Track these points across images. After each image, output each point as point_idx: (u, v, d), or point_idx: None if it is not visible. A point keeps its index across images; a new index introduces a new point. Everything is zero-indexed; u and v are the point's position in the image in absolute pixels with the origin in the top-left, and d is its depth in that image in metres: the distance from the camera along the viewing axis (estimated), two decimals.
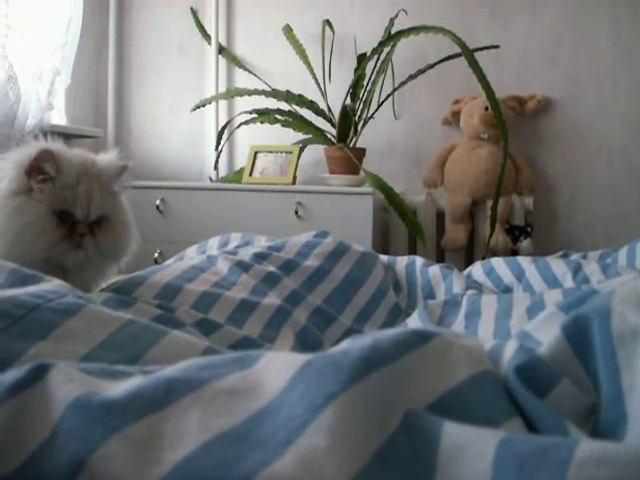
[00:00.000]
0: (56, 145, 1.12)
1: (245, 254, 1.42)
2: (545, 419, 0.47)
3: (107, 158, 1.15)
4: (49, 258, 1.05)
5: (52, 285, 0.73)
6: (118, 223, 1.14)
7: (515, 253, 2.85)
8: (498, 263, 1.60)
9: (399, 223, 2.85)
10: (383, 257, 1.76)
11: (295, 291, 1.35)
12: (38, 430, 0.44)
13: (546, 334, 0.55)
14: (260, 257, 1.42)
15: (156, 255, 2.75)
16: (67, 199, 1.05)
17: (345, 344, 0.56)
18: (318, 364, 0.47)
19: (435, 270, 1.63)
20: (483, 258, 2.82)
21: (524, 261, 1.54)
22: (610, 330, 0.51)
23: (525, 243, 2.85)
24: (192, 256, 1.71)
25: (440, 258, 3.01)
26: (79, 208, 1.06)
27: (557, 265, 1.45)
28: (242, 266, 1.34)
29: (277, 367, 0.49)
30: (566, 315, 0.72)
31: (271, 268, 1.38)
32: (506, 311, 1.16)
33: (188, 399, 0.46)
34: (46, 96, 2.70)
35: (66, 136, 3.02)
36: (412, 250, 2.99)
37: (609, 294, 0.55)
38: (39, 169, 1.04)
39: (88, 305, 0.68)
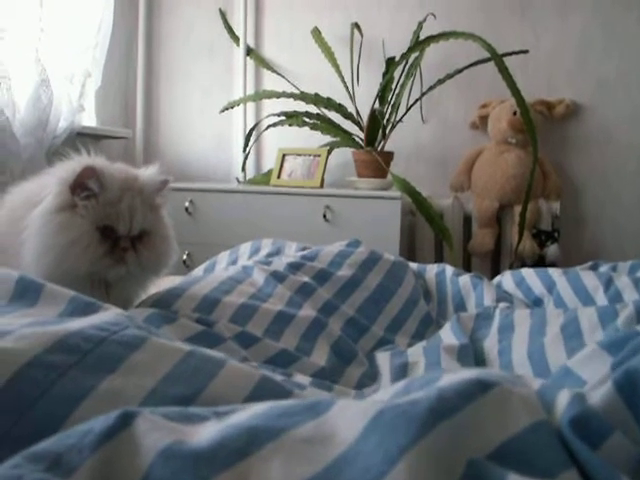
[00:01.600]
0: (99, 161, 1.13)
1: (279, 264, 1.44)
2: (600, 471, 0.48)
3: (148, 173, 1.17)
4: (93, 273, 1.07)
5: (112, 315, 0.74)
6: (159, 237, 1.16)
7: (542, 258, 2.84)
8: (528, 274, 1.60)
9: (426, 227, 2.86)
10: (413, 265, 1.77)
11: (329, 301, 1.36)
12: (129, 478, 0.45)
13: (589, 373, 0.56)
14: (294, 267, 1.44)
15: (184, 257, 2.77)
16: (110, 215, 1.07)
17: (404, 385, 0.57)
18: (389, 415, 0.48)
19: (465, 279, 1.64)
20: (511, 264, 2.83)
21: (555, 273, 1.54)
22: None
23: (552, 248, 2.84)
24: (223, 263, 1.74)
25: (467, 262, 3.01)
26: (122, 224, 1.08)
27: (588, 278, 1.45)
28: (277, 277, 1.36)
29: (349, 417, 0.50)
30: (608, 353, 0.73)
31: (305, 278, 1.40)
32: (540, 327, 1.16)
33: (269, 448, 0.48)
34: (77, 98, 2.73)
35: (96, 137, 3.05)
36: (439, 254, 3.00)
37: None
38: (83, 186, 1.06)
39: (151, 337, 0.70)
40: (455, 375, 0.53)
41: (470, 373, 0.53)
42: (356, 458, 0.46)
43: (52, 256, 1.03)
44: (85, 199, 1.06)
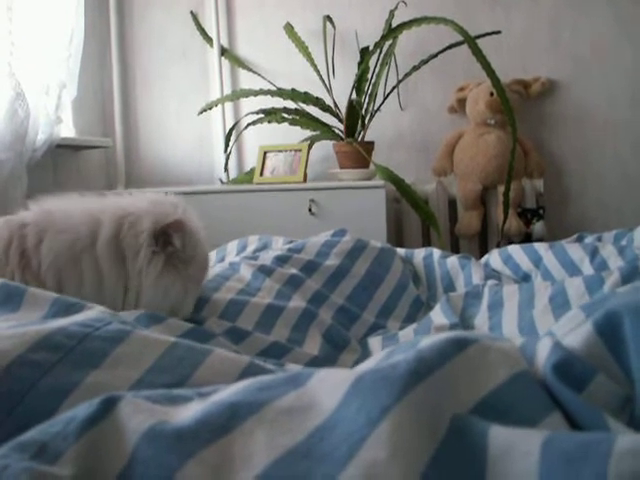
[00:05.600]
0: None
1: (266, 258, 1.44)
2: (584, 413, 0.49)
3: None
4: None
5: (95, 312, 0.75)
6: None
7: (529, 236, 2.86)
8: (515, 250, 1.61)
9: (412, 213, 2.87)
10: (400, 250, 1.78)
11: (318, 292, 1.37)
12: (115, 461, 0.46)
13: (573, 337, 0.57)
14: (281, 260, 1.44)
15: None
16: None
17: (386, 354, 0.58)
18: (369, 379, 0.49)
19: (453, 261, 1.65)
20: (498, 243, 2.84)
21: (541, 247, 1.55)
22: None
23: (538, 225, 2.86)
24: (212, 261, 1.74)
25: (454, 245, 3.02)
26: None
27: (574, 250, 1.46)
28: (264, 271, 1.36)
29: (329, 385, 0.51)
30: (584, 313, 0.74)
31: (293, 270, 1.40)
32: (528, 301, 1.17)
33: (251, 421, 0.49)
34: (54, 110, 2.72)
35: (76, 148, 3.04)
36: (426, 239, 3.01)
37: (637, 290, 0.57)
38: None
39: (134, 331, 0.70)
40: (433, 337, 0.54)
41: (447, 334, 0.54)
42: (338, 424, 0.47)
43: None
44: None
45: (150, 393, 0.53)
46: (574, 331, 0.58)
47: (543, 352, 0.55)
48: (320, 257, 1.51)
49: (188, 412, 0.50)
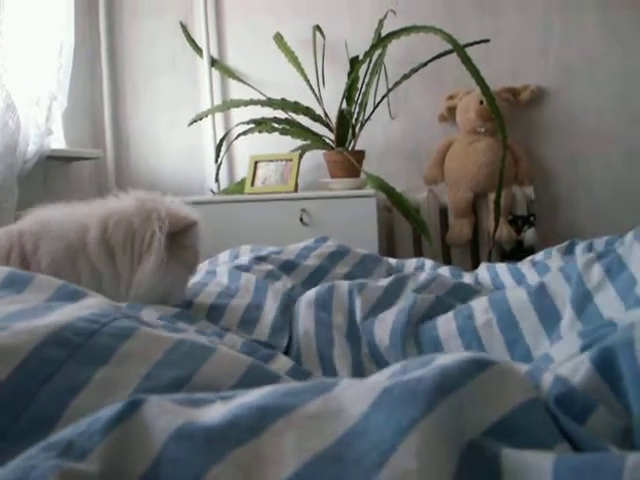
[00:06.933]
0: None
1: (244, 259, 1.47)
2: (588, 443, 0.51)
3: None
4: None
5: (100, 306, 0.77)
6: None
7: (520, 243, 2.87)
8: (502, 270, 1.61)
9: (403, 222, 2.88)
10: (392, 261, 1.78)
11: (294, 287, 1.38)
12: (139, 462, 0.46)
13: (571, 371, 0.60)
14: (259, 259, 1.47)
15: None
16: None
17: (401, 367, 0.59)
18: (396, 391, 0.50)
19: (445, 272, 1.64)
20: (489, 252, 2.84)
21: (524, 266, 1.55)
22: (636, 359, 0.57)
23: (529, 233, 2.87)
24: (202, 272, 1.73)
25: (446, 253, 3.03)
26: None
27: (555, 262, 1.46)
28: (241, 268, 1.39)
29: (355, 393, 0.52)
30: (579, 338, 0.77)
31: (270, 267, 1.42)
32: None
33: (280, 424, 0.49)
34: (45, 121, 2.71)
35: (66, 159, 3.04)
36: (418, 248, 3.01)
37: (630, 328, 0.60)
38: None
39: (140, 327, 0.72)
40: (451, 355, 0.55)
41: (466, 353, 0.55)
42: (366, 431, 0.47)
43: None
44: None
45: (173, 396, 0.54)
46: (572, 362, 0.60)
47: (546, 383, 0.57)
48: (300, 258, 1.54)
49: (214, 413, 0.51)
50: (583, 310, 0.96)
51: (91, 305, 0.78)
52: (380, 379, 0.55)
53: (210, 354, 0.71)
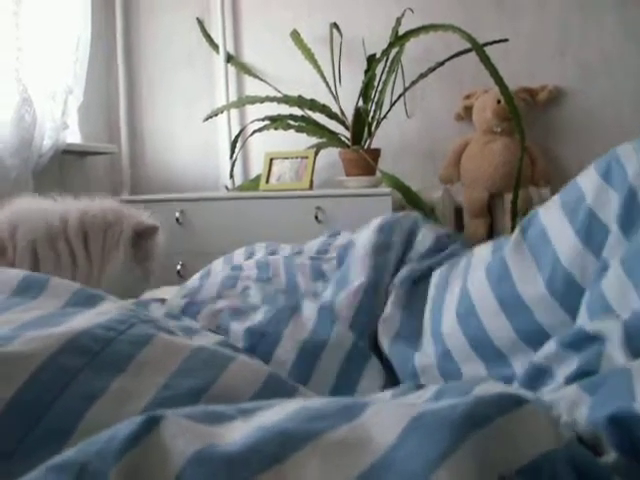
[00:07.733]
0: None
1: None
2: None
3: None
4: None
5: (117, 312, 0.75)
6: None
7: None
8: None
9: None
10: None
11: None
12: None
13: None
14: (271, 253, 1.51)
15: (178, 267, 2.76)
16: None
17: (435, 391, 0.57)
18: (426, 420, 0.48)
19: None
20: None
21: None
22: None
23: None
24: (219, 269, 1.72)
25: None
26: None
27: None
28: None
29: (384, 420, 0.50)
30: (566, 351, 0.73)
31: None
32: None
33: (305, 451, 0.47)
34: (60, 116, 2.71)
35: (81, 154, 3.04)
36: None
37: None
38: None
39: (158, 334, 0.71)
40: (488, 386, 0.54)
41: (502, 387, 0.53)
42: (394, 464, 0.45)
43: None
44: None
45: (191, 411, 0.52)
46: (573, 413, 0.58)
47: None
48: (320, 253, 1.56)
49: (235, 434, 0.49)
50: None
51: (108, 311, 0.76)
52: (412, 403, 0.54)
53: (229, 363, 0.70)
